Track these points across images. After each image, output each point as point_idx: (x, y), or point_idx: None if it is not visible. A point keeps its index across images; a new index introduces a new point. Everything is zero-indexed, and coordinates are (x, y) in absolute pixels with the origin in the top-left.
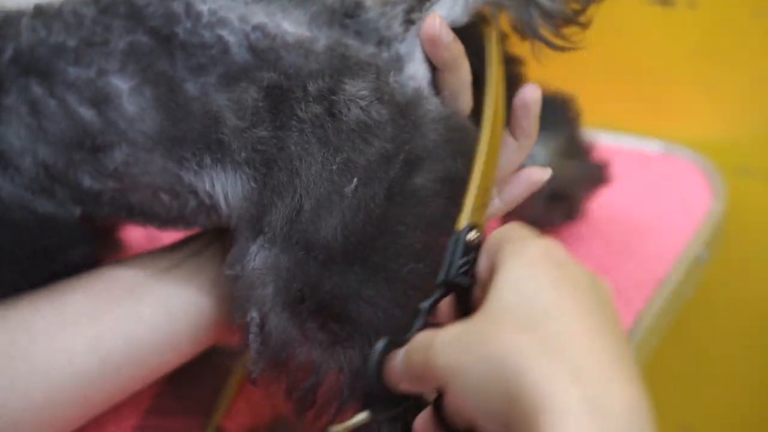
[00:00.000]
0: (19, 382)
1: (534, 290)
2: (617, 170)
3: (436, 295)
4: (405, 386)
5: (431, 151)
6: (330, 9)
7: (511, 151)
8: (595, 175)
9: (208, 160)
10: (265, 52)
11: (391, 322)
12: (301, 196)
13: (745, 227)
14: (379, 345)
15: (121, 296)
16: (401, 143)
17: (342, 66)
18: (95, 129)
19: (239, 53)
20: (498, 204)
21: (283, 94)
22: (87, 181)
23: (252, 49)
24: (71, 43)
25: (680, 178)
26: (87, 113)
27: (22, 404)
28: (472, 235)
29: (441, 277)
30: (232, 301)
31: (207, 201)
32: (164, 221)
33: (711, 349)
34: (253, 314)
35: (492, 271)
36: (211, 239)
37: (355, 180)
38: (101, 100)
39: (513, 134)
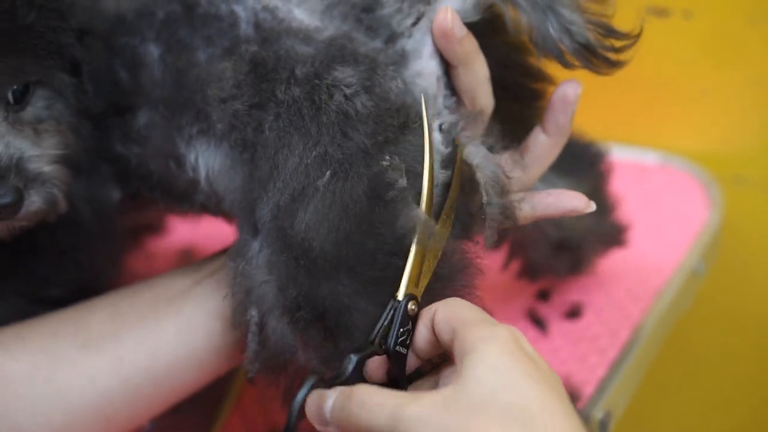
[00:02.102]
0: (41, 404)
1: (514, 382)
2: (614, 182)
3: (369, 350)
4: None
5: (421, 157)
6: (349, 2)
7: (542, 148)
8: (610, 235)
9: (195, 130)
10: (266, 31)
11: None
12: (279, 190)
13: (741, 237)
14: (306, 385)
15: (144, 315)
16: (382, 142)
17: (337, 54)
18: (127, 90)
19: (246, 29)
20: (528, 211)
21: (268, 73)
22: (118, 147)
23: (257, 26)
24: (130, 15)
25: (677, 188)
26: (124, 75)
27: (44, 427)
28: (410, 306)
29: (376, 339)
30: (232, 296)
31: (191, 174)
32: (176, 196)
33: (708, 359)
34: (253, 313)
35: (438, 347)
36: None
37: (328, 173)
38: (137, 65)
39: (546, 130)
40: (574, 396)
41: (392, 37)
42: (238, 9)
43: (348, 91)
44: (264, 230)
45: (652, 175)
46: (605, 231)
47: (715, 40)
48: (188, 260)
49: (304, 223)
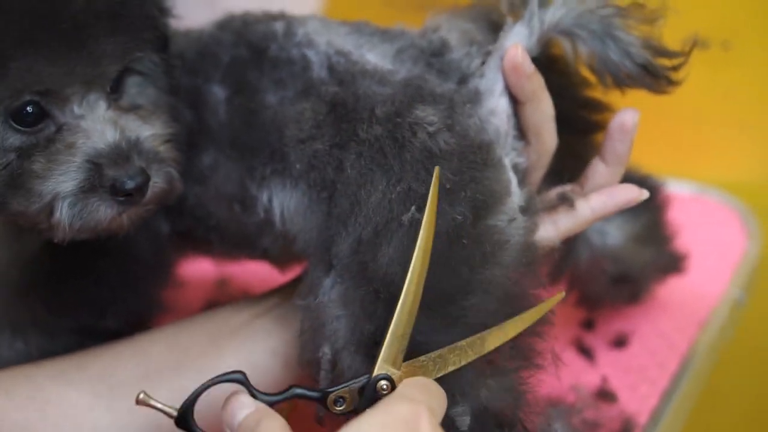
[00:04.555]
0: None
1: None
2: None
3: (314, 393)
4: None
5: (500, 194)
6: (418, 47)
7: (602, 177)
8: (670, 264)
9: (269, 171)
10: (341, 73)
11: (464, 375)
12: (361, 224)
13: None
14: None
15: (204, 348)
16: (466, 180)
17: (415, 94)
18: (192, 129)
19: (318, 72)
20: (588, 213)
21: (348, 113)
22: None
23: (330, 68)
24: (189, 54)
25: (714, 219)
26: (188, 114)
27: None
28: (382, 385)
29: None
30: (301, 334)
31: (263, 215)
32: (234, 242)
33: (750, 387)
34: (325, 350)
35: None
36: (291, 292)
37: (413, 208)
38: (200, 104)
39: (604, 159)
40: (629, 425)
41: (464, 78)
42: (310, 53)
43: (431, 129)
44: (339, 266)
45: (689, 205)
46: (663, 261)
47: (754, 71)
48: (225, 290)
49: (388, 256)
